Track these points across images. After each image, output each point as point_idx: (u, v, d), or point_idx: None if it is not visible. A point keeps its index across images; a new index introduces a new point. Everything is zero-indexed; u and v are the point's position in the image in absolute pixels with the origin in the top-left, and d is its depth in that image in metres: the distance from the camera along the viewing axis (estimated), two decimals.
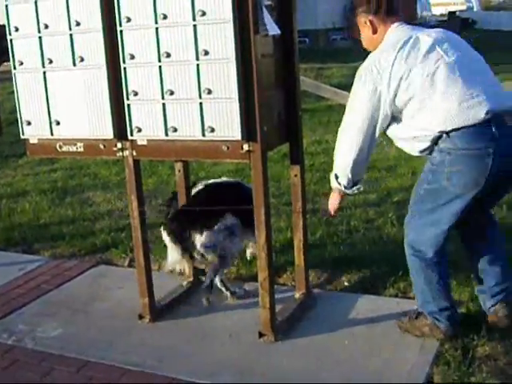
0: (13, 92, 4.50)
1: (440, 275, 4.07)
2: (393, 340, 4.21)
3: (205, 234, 4.74)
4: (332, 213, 4.31)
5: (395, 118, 3.89)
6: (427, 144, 3.85)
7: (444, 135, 3.74)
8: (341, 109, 12.43)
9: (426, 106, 3.75)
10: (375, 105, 3.83)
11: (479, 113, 3.67)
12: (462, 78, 3.72)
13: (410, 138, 3.92)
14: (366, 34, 4.06)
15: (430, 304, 4.12)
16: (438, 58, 3.74)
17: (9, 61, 4.49)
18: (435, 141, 3.80)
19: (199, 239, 4.75)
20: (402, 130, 3.92)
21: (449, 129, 3.71)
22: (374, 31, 3.99)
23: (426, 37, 3.82)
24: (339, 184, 4.14)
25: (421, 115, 3.78)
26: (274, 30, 3.98)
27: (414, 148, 3.98)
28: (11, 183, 8.67)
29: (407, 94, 3.75)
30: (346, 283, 5.06)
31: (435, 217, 3.92)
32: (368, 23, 3.99)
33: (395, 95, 3.77)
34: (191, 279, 5.12)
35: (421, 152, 3.95)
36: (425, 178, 3.96)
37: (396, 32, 3.92)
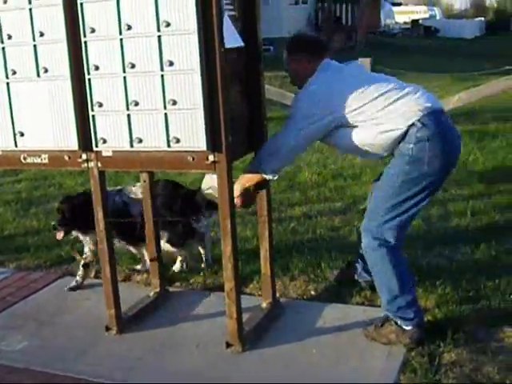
0: None
1: (405, 262, 4.28)
2: (360, 348, 4.23)
3: None
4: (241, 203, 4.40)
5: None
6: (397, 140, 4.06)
7: (417, 124, 3.98)
8: None
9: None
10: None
11: (438, 102, 4.15)
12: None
13: (375, 142, 4.10)
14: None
15: (398, 299, 4.18)
16: None
17: None
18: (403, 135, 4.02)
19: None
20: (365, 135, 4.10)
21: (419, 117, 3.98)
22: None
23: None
24: (263, 173, 4.26)
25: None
26: (237, 41, 4.00)
27: (380, 149, 4.15)
28: None
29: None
30: (312, 292, 5.07)
31: (406, 206, 4.11)
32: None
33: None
34: (158, 290, 5.10)
35: (387, 151, 4.15)
36: (400, 172, 4.08)
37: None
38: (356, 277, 4.99)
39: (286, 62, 4.50)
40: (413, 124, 3.97)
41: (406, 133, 4.00)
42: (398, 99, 4.03)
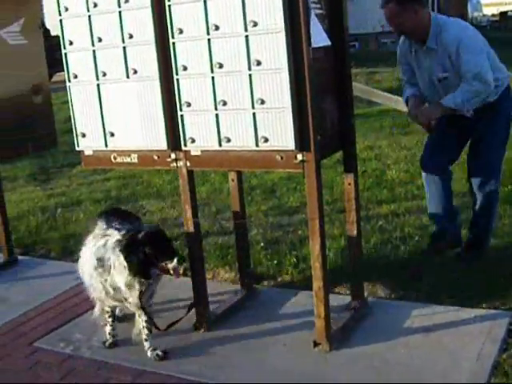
0: (67, 101, 4.56)
1: None
2: (449, 349, 4.16)
3: None
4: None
5: None
6: None
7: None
8: (394, 113, 12.42)
9: None
10: None
11: None
12: None
13: None
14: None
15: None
16: None
17: (61, 71, 4.56)
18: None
19: None
20: None
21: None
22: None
23: None
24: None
25: None
26: (324, 41, 3.98)
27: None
28: (65, 192, 8.78)
29: None
30: (400, 291, 5.01)
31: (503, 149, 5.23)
32: None
33: None
34: (245, 288, 5.12)
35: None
36: (499, 121, 5.12)
37: None
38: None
39: (398, 14, 4.84)
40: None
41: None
42: None
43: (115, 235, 4.38)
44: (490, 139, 5.09)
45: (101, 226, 4.58)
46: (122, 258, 4.20)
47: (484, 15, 44.15)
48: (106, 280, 4.35)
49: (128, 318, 4.76)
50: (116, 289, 4.35)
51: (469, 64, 4.80)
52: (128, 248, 4.20)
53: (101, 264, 4.34)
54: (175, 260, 4.21)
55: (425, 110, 5.15)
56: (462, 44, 4.82)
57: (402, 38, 5.28)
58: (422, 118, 5.16)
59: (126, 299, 4.39)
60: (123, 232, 4.37)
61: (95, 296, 4.56)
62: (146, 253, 4.18)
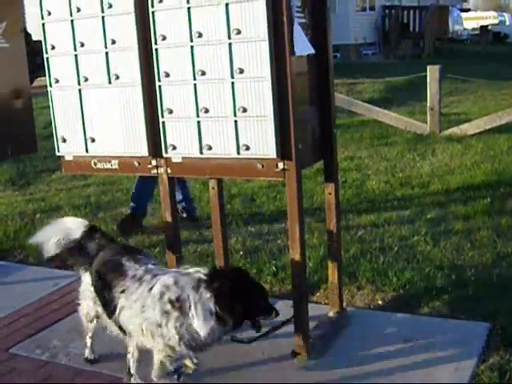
0: (46, 107, 4.55)
1: None
2: (428, 360, 4.16)
3: None
4: None
5: None
6: None
7: None
8: (374, 125, 12.56)
9: None
10: None
11: None
12: None
13: None
14: None
15: None
16: None
17: (42, 76, 4.54)
18: None
19: None
20: None
21: None
22: None
23: None
24: None
25: None
26: (307, 49, 3.99)
27: None
28: (45, 198, 8.72)
29: None
30: (379, 301, 5.02)
31: None
32: None
33: None
34: None
35: None
36: None
37: None
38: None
39: None
40: None
41: None
42: None
43: (172, 274, 3.87)
44: None
45: (131, 265, 3.95)
46: (210, 303, 3.63)
47: (465, 29, 44.44)
48: (182, 325, 3.67)
49: None
50: (192, 334, 3.70)
51: None
52: (227, 296, 3.66)
53: (178, 306, 3.68)
54: (273, 314, 3.89)
55: None
56: None
57: None
58: None
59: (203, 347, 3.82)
60: (203, 271, 3.80)
61: (159, 348, 3.81)
62: (246, 304, 3.71)
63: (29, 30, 15.35)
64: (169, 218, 4.43)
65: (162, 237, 4.60)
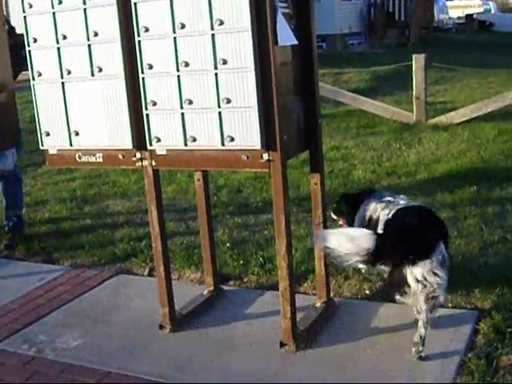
0: (31, 101, 4.51)
1: None
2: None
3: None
4: None
5: None
6: None
7: None
8: (360, 114, 12.53)
9: None
10: None
11: None
12: None
13: None
14: None
15: None
16: None
17: (27, 70, 4.51)
18: None
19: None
20: None
21: None
22: None
23: None
24: None
25: None
26: (291, 39, 3.97)
27: None
28: (30, 192, 8.66)
29: None
30: (367, 291, 5.02)
31: None
32: None
33: None
34: (212, 288, 5.09)
35: None
36: None
37: None
38: None
39: None
40: None
41: None
42: None
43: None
44: None
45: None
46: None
47: (450, 18, 44.44)
48: None
49: None
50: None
51: None
52: None
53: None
54: None
55: None
56: None
57: None
58: None
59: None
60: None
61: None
62: None
63: (12, 23, 15.24)
64: (154, 212, 4.41)
65: (149, 229, 4.58)
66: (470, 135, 10.15)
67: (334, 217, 4.97)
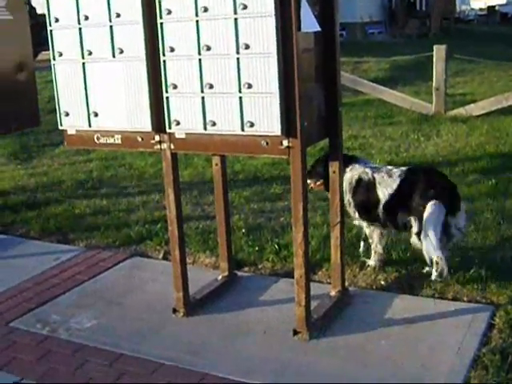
0: (51, 81, 4.50)
1: None
2: (429, 342, 4.14)
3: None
4: None
5: None
6: None
7: None
8: (378, 104, 12.45)
9: None
10: None
11: None
12: None
13: None
14: None
15: None
16: None
17: (47, 50, 4.50)
18: None
19: None
20: None
21: None
22: None
23: None
24: None
25: None
26: (314, 26, 3.94)
27: None
28: (47, 172, 8.70)
29: None
30: (382, 282, 4.99)
31: None
32: None
33: None
34: (226, 274, 5.08)
35: None
36: None
37: None
38: None
39: None
40: None
41: None
42: None
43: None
44: None
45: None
46: None
47: (472, 9, 44.15)
48: None
49: None
50: None
51: None
52: None
53: None
54: None
55: None
56: None
57: None
58: None
59: None
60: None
61: None
62: None
63: (34, 3, 15.25)
64: (171, 195, 4.40)
65: (164, 212, 4.57)
66: (489, 128, 10.08)
67: (309, 181, 4.98)
